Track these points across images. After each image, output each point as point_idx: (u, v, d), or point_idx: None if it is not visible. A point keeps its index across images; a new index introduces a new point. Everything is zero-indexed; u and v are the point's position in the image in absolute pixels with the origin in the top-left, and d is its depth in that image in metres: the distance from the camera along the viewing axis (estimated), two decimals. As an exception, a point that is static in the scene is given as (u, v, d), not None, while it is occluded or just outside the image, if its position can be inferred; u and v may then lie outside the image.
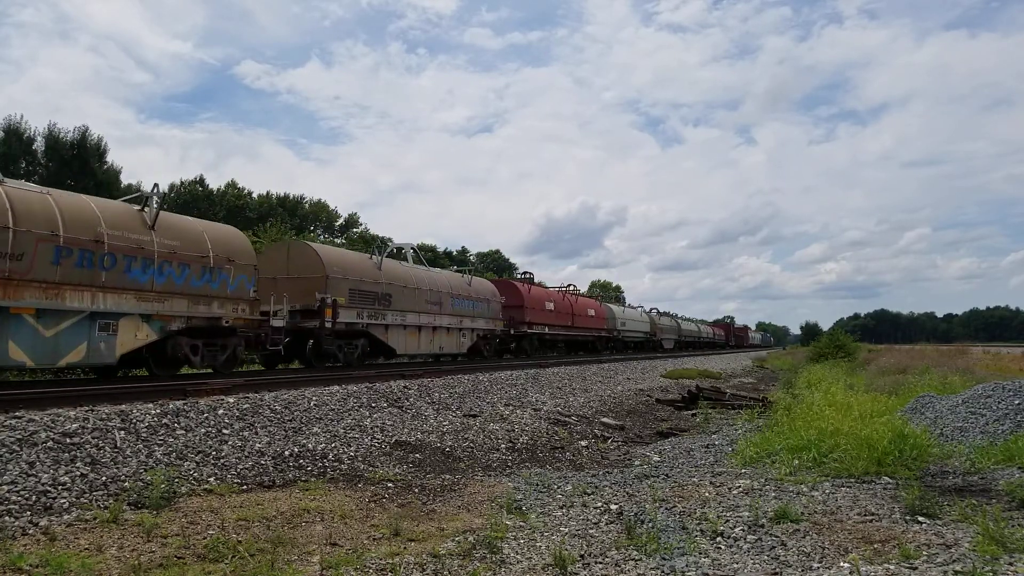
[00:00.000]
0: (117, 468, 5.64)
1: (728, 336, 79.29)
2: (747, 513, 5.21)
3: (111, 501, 5.06)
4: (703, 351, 57.53)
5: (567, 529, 5.02)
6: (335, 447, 7.49)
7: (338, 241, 47.85)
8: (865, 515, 5.13)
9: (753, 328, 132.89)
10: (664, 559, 4.19)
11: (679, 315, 60.98)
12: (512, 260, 75.72)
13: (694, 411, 14.31)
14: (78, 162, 33.62)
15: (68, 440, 5.81)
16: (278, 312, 13.35)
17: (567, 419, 11.50)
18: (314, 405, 8.80)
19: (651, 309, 50.80)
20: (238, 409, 7.77)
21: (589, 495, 6.17)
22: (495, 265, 67.08)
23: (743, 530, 4.81)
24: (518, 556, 4.35)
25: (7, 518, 4.51)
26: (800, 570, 3.98)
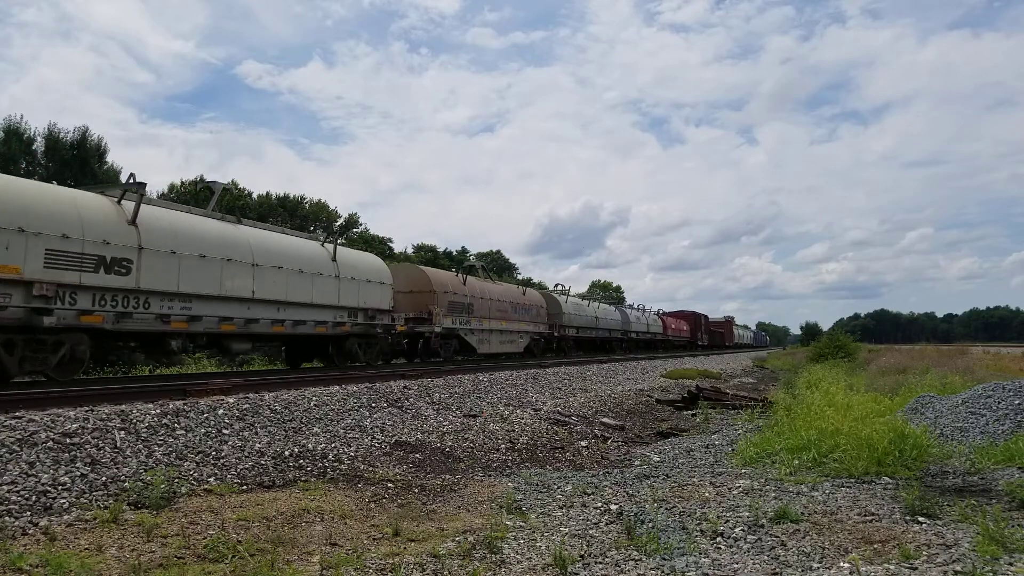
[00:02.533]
0: (117, 468, 5.64)
1: (696, 332, 55.51)
2: (747, 513, 5.21)
3: (111, 501, 5.05)
4: (642, 354, 36.73)
5: (567, 529, 5.02)
6: (335, 447, 7.49)
7: (339, 241, 47.71)
8: (865, 515, 5.13)
9: (744, 324, 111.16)
10: (664, 559, 4.19)
11: (571, 291, 33.47)
12: (512, 260, 75.37)
13: (694, 411, 14.31)
14: (78, 162, 33.63)
15: (68, 440, 5.81)
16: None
17: (567, 419, 11.50)
18: (314, 405, 8.80)
19: (470, 264, 27.32)
20: (238, 409, 7.77)
21: (589, 495, 6.17)
22: (495, 265, 67.01)
23: (743, 530, 4.81)
24: (518, 556, 4.35)
25: (7, 518, 4.51)
26: (800, 570, 3.98)
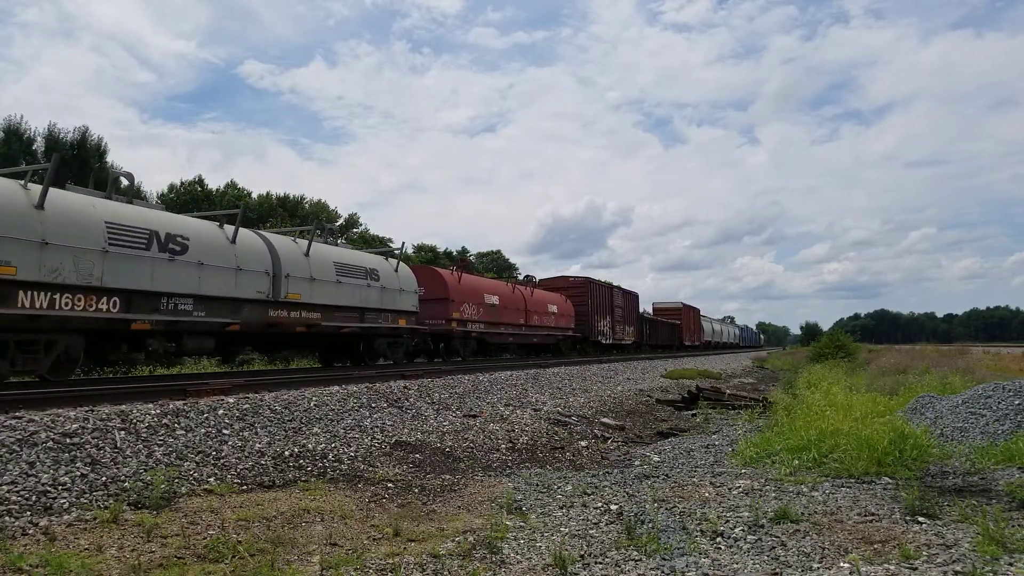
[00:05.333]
0: (117, 468, 5.64)
1: (594, 322, 30.45)
2: (747, 513, 5.21)
3: (111, 501, 5.05)
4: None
5: (567, 529, 5.02)
6: (335, 447, 7.49)
7: (339, 242, 47.68)
8: (865, 515, 5.13)
9: (730, 318, 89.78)
10: (664, 559, 4.19)
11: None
12: (513, 260, 75.00)
13: (694, 411, 14.31)
14: (78, 162, 33.62)
15: (68, 440, 5.81)
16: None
17: (567, 419, 11.50)
18: (314, 405, 8.79)
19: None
20: (238, 409, 7.77)
21: (589, 495, 6.17)
22: (495, 266, 66.97)
23: (743, 530, 4.81)
24: (518, 556, 4.35)
25: (7, 518, 4.51)
26: (800, 570, 3.98)
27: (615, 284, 35.53)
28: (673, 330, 47.14)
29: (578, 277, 32.29)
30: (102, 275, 9.54)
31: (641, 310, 41.09)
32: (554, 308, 27.15)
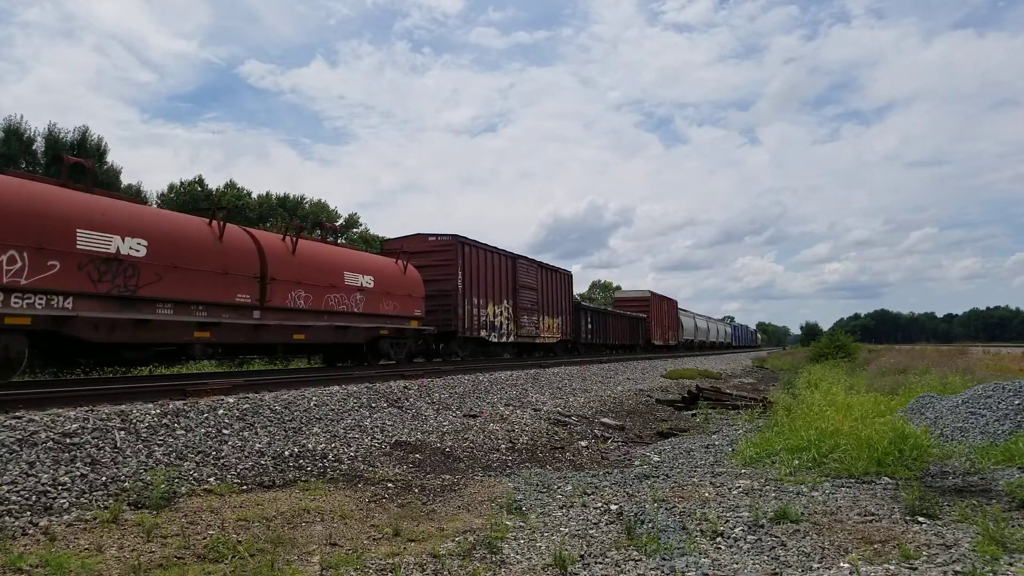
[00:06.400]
0: (117, 468, 5.64)
1: (466, 310, 18.65)
2: (747, 513, 5.21)
3: (111, 501, 5.06)
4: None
5: (567, 529, 5.02)
6: (335, 447, 7.49)
7: (339, 242, 47.65)
8: (865, 515, 5.13)
9: (724, 317, 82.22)
10: (664, 559, 4.19)
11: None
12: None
13: (694, 411, 14.31)
14: (78, 162, 33.61)
15: (68, 440, 5.81)
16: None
17: (567, 419, 11.50)
18: (314, 405, 8.80)
19: None
20: (238, 409, 7.77)
21: (589, 495, 6.17)
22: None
23: (743, 530, 4.81)
24: (518, 556, 4.35)
25: (7, 518, 4.51)
26: (800, 570, 3.98)
27: (529, 256, 23.87)
28: (636, 326, 37.00)
29: (442, 236, 19.48)
30: None
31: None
32: (364, 280, 14.61)
